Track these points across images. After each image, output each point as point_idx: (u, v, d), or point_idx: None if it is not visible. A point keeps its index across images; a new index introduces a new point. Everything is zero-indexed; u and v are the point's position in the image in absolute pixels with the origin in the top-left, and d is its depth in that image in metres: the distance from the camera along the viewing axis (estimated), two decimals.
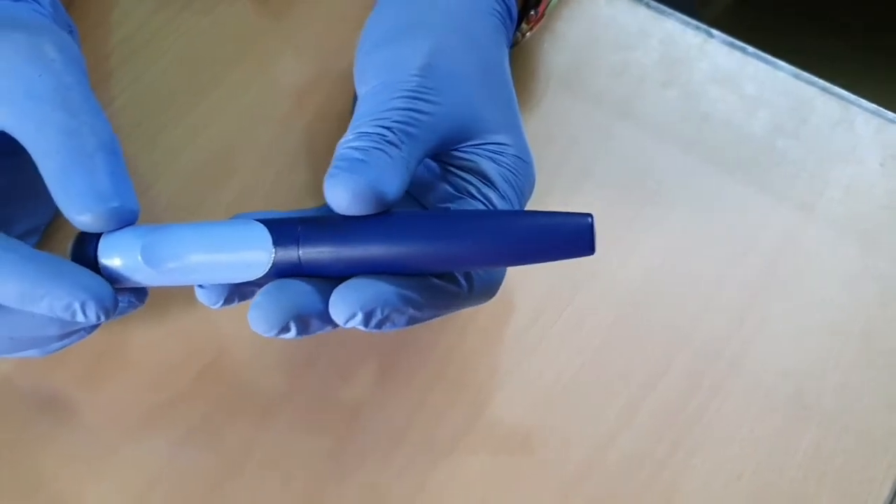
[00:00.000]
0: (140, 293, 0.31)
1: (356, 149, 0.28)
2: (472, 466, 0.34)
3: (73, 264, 0.28)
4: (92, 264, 0.29)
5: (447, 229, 0.28)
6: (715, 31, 0.42)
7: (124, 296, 0.30)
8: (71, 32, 0.39)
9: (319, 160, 0.40)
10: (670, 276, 0.37)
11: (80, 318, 0.28)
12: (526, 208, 0.33)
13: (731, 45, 0.42)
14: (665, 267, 0.38)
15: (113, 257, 0.28)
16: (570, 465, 0.34)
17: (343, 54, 0.42)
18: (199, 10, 0.45)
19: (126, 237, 0.29)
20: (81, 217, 0.28)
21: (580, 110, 0.41)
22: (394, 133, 0.29)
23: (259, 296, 0.28)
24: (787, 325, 0.37)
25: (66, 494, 0.34)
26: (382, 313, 0.27)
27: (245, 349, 0.37)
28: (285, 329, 0.28)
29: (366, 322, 0.27)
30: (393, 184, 0.28)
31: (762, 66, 0.41)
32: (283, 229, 0.28)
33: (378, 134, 0.29)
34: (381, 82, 0.31)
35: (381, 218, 0.28)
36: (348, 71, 0.42)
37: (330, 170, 0.28)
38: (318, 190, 0.40)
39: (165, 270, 0.28)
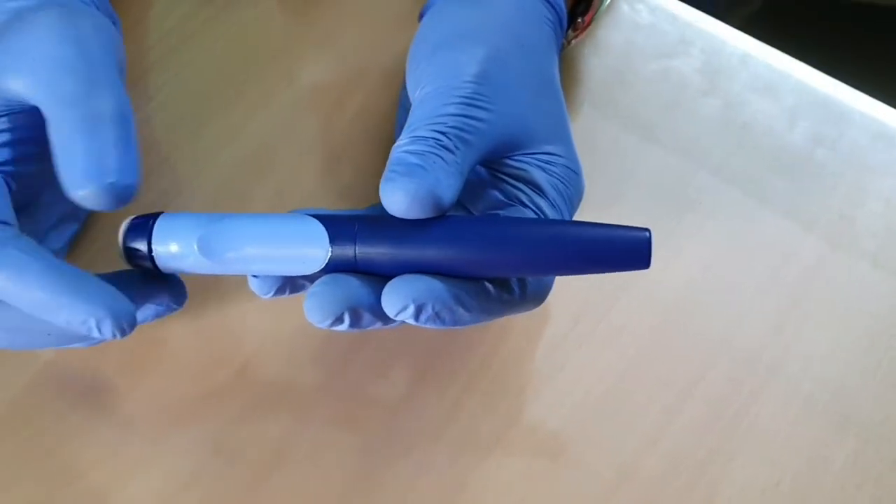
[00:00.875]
0: (178, 296, 0.31)
1: (412, 153, 0.28)
2: (511, 469, 0.35)
3: (98, 280, 0.28)
4: (145, 249, 0.29)
5: (504, 236, 0.28)
6: (756, 42, 0.42)
7: (163, 301, 0.31)
8: (114, 24, 0.40)
9: (359, 159, 0.40)
10: (710, 283, 0.38)
11: (95, 334, 0.28)
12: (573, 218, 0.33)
13: (772, 55, 0.42)
14: (704, 275, 0.38)
15: (168, 243, 0.29)
16: (609, 469, 0.35)
17: (385, 53, 0.43)
18: (240, 8, 0.45)
19: (182, 224, 0.29)
20: (79, 192, 0.28)
21: (621, 117, 0.41)
22: (449, 138, 0.29)
23: (315, 286, 0.28)
24: (826, 334, 0.37)
25: (105, 485, 0.34)
26: (433, 308, 0.28)
27: (283, 346, 0.37)
28: (339, 320, 0.28)
29: (416, 315, 0.28)
30: (449, 189, 0.28)
31: (802, 76, 0.42)
32: (340, 227, 0.29)
33: (434, 139, 0.29)
34: (435, 87, 0.31)
35: (438, 221, 0.28)
36: (390, 70, 0.43)
37: (386, 173, 0.28)
38: (357, 189, 0.40)
39: (221, 260, 0.28)
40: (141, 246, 0.29)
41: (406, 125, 0.30)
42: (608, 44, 0.43)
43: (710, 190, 0.39)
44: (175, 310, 0.32)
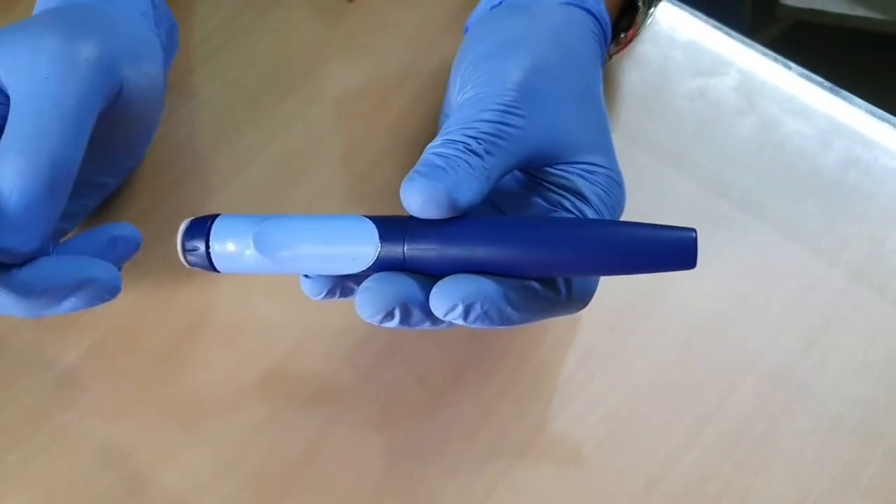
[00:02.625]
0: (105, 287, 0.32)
1: (439, 155, 0.29)
2: (541, 475, 0.35)
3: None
4: (203, 248, 0.30)
5: (552, 235, 0.28)
6: (792, 63, 0.43)
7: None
8: (171, 28, 0.40)
9: (401, 161, 0.41)
10: (741, 299, 0.38)
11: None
12: None
13: (808, 77, 0.43)
14: (736, 290, 0.38)
15: (225, 242, 0.29)
16: (637, 479, 0.35)
17: (431, 56, 0.43)
18: (285, 8, 0.46)
19: (239, 224, 0.29)
20: None
21: (657, 131, 0.42)
22: (479, 143, 0.29)
23: (368, 281, 0.29)
24: (857, 353, 0.37)
25: (140, 472, 0.35)
26: (482, 307, 0.28)
27: (319, 344, 0.37)
28: (389, 315, 0.28)
29: (465, 315, 0.28)
30: (469, 192, 0.29)
31: (836, 99, 0.42)
32: (389, 226, 0.29)
33: (463, 143, 0.29)
34: (477, 93, 0.32)
35: (488, 221, 0.29)
36: (435, 72, 0.43)
37: (410, 173, 0.29)
38: (396, 193, 0.40)
39: (275, 258, 0.29)
40: (199, 244, 0.30)
41: (443, 128, 0.31)
42: (647, 59, 0.43)
43: (744, 208, 0.40)
44: (101, 302, 0.32)
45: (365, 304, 0.28)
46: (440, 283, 0.28)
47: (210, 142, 0.42)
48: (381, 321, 0.29)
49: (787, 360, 0.37)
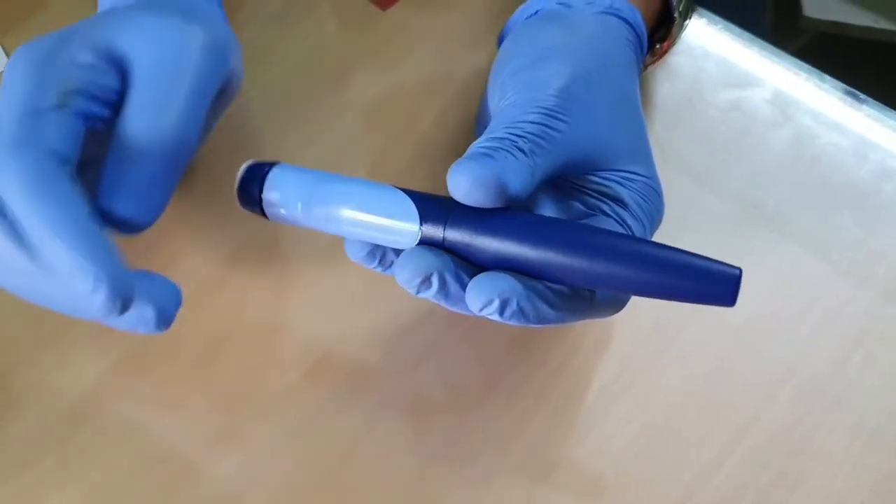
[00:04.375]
0: (162, 317, 0.30)
1: (485, 147, 0.29)
2: (575, 485, 0.35)
3: (114, 251, 0.28)
4: (257, 195, 0.31)
5: (594, 245, 0.28)
6: (826, 76, 0.43)
7: (146, 311, 0.30)
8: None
9: (430, 172, 0.41)
10: (777, 311, 0.38)
11: (86, 295, 0.27)
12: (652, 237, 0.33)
13: (843, 89, 0.43)
14: (772, 302, 0.38)
15: (275, 192, 0.31)
16: (675, 489, 0.35)
17: (461, 67, 0.44)
18: (315, 18, 0.46)
19: (293, 179, 0.31)
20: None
21: (690, 142, 0.42)
22: (525, 141, 0.29)
23: (410, 249, 0.29)
24: (893, 365, 0.37)
25: (179, 472, 0.35)
26: (518, 304, 0.28)
27: (355, 348, 0.37)
28: (427, 282, 0.29)
29: (501, 311, 0.28)
30: (516, 180, 0.28)
31: (872, 111, 0.42)
32: (433, 207, 0.30)
33: (508, 140, 0.29)
34: (518, 98, 0.32)
35: (531, 217, 0.29)
36: (465, 83, 0.43)
37: (456, 161, 0.29)
38: None
39: (321, 221, 0.31)
40: (254, 190, 0.31)
41: (487, 129, 0.31)
42: (679, 71, 0.43)
43: (779, 219, 0.40)
44: (154, 331, 0.30)
45: (406, 267, 0.28)
46: (476, 278, 0.28)
47: (246, 151, 0.42)
48: (419, 287, 0.29)
49: (823, 373, 0.37)
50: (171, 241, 0.39)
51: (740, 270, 0.27)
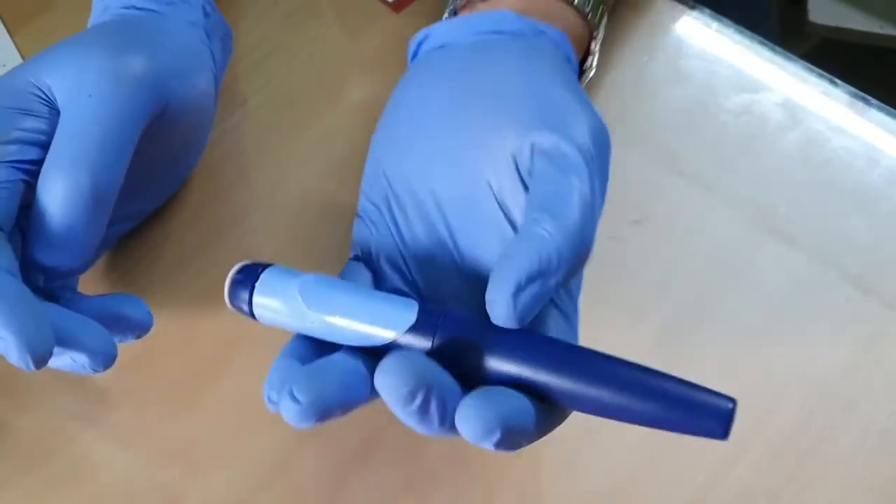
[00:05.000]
0: (98, 357, 0.31)
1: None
2: (587, 486, 0.35)
3: (30, 304, 0.28)
4: (247, 298, 0.30)
5: (587, 371, 0.27)
6: (837, 80, 0.43)
7: (81, 354, 0.30)
8: (226, 36, 0.41)
9: None
10: (787, 314, 0.38)
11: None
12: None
13: (853, 94, 0.43)
14: (782, 304, 0.38)
15: (265, 296, 0.30)
16: (684, 493, 0.35)
17: None
18: (326, 20, 0.46)
19: (283, 281, 0.30)
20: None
21: (701, 146, 0.42)
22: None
23: (389, 357, 0.26)
24: None
25: (185, 476, 0.35)
26: (519, 432, 0.26)
27: None
28: (411, 395, 0.25)
29: (500, 443, 0.25)
30: None
31: (883, 116, 0.42)
32: (425, 315, 0.28)
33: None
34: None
35: (523, 336, 0.28)
36: None
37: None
38: None
39: (310, 328, 0.29)
40: (244, 294, 0.30)
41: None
42: (690, 75, 0.43)
43: (790, 223, 0.40)
44: (91, 372, 0.31)
45: (387, 377, 0.26)
46: (469, 398, 0.25)
47: (253, 154, 0.42)
48: (408, 404, 0.26)
49: (834, 377, 0.37)
50: (176, 245, 0.39)
51: (734, 403, 0.26)
